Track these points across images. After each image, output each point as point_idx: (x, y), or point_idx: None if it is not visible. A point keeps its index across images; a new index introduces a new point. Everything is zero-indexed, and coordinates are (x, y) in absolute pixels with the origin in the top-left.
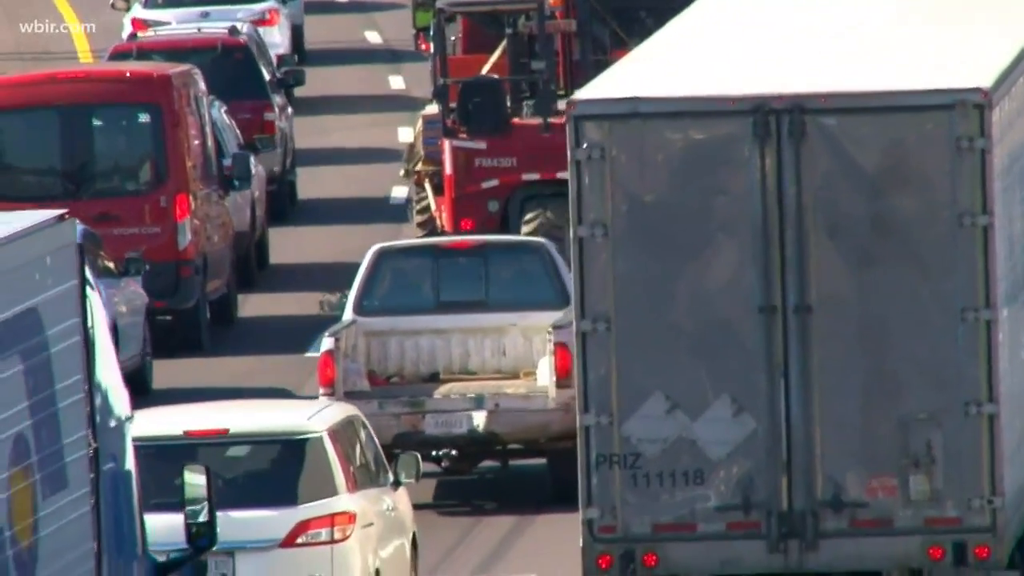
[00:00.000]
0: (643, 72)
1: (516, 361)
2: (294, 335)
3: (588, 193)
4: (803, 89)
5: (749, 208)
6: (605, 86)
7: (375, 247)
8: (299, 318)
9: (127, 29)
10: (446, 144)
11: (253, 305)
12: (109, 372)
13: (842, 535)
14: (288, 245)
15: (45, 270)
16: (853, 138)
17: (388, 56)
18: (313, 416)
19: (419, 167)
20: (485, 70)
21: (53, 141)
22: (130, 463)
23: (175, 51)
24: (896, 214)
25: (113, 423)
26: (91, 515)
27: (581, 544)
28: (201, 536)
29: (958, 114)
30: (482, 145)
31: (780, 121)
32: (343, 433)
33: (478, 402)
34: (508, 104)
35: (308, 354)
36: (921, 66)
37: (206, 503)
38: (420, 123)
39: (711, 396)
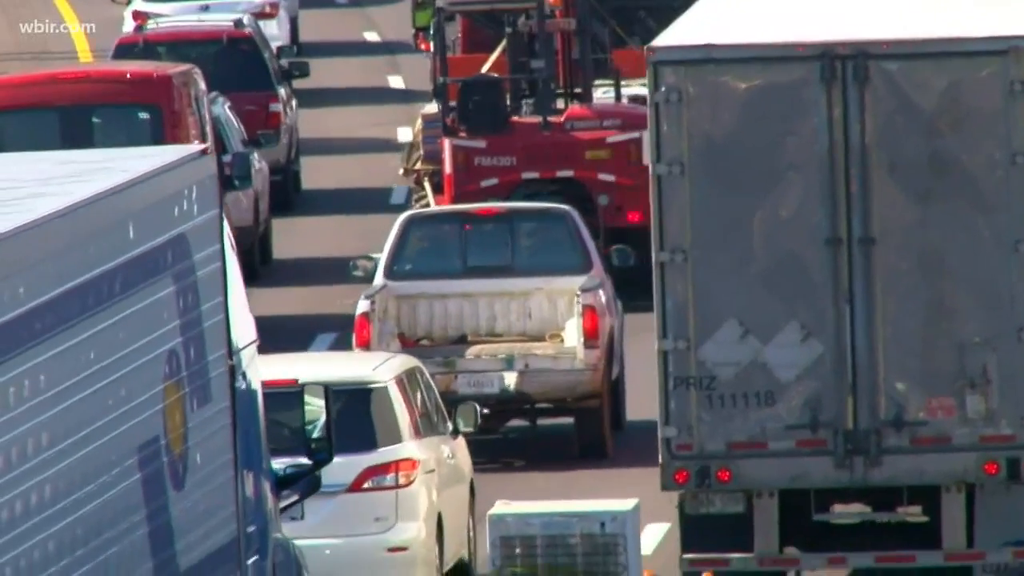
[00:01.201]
0: (716, 20)
1: (541, 324)
2: (296, 333)
3: (666, 133)
4: (867, 36)
5: (816, 147)
6: (680, 34)
7: (405, 214)
8: (301, 316)
9: (127, 23)
10: (446, 143)
11: (256, 301)
12: (239, 297)
13: (903, 452)
14: (291, 237)
15: (191, 200)
16: (913, 82)
17: (387, 55)
18: (379, 367)
19: (419, 166)
20: (485, 69)
21: (53, 141)
22: (257, 383)
23: (181, 43)
24: (953, 153)
25: (243, 345)
26: (229, 428)
27: (660, 461)
28: (320, 451)
29: (1012, 59)
30: (482, 144)
31: (845, 66)
32: (407, 383)
33: (508, 363)
34: (508, 103)
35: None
36: (976, 15)
37: (324, 419)
38: (420, 122)
39: (781, 322)
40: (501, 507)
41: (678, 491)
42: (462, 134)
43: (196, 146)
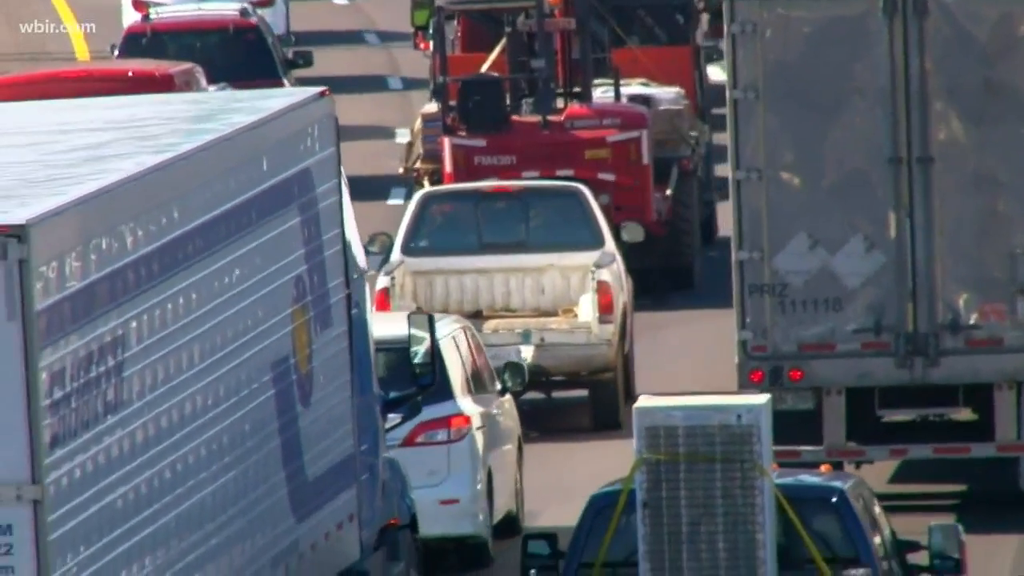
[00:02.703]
0: None
1: (554, 299)
2: None
3: (741, 62)
4: None
5: (879, 74)
6: None
7: (421, 192)
8: None
9: (127, 14)
10: (445, 142)
11: None
12: (353, 230)
13: (959, 353)
14: None
15: (313, 137)
16: (968, 13)
17: (384, 50)
18: None
19: (418, 165)
20: (484, 68)
21: None
22: (368, 312)
23: (187, 32)
24: (1006, 78)
25: (356, 275)
26: (347, 352)
27: (736, 362)
28: (424, 375)
29: None
30: (481, 143)
31: (905, 0)
32: (458, 341)
33: (525, 337)
34: (507, 102)
35: None
36: None
37: (428, 345)
38: (419, 121)
39: (847, 234)
40: (645, 401)
41: (753, 390)
42: (462, 133)
43: (316, 88)
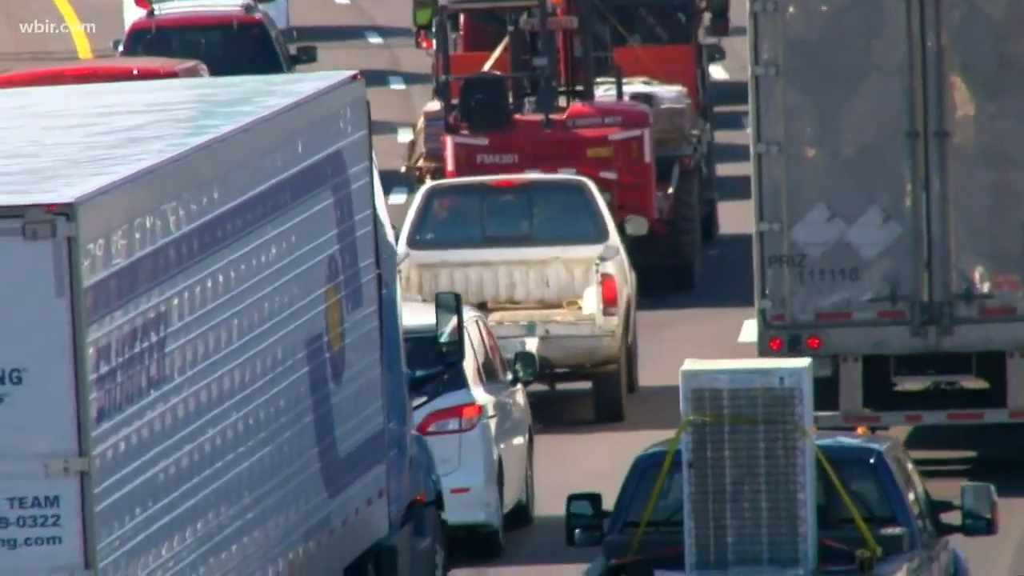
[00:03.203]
0: None
1: (559, 292)
2: None
3: (763, 39)
4: None
5: (896, 51)
6: None
7: (427, 185)
8: None
9: (128, 10)
10: (448, 140)
11: None
12: (383, 212)
13: (972, 322)
14: None
15: (346, 120)
16: None
17: (385, 48)
18: None
19: (421, 163)
20: (487, 67)
21: None
22: (397, 292)
23: (191, 28)
24: (1019, 54)
25: (386, 255)
26: (377, 330)
27: (756, 331)
28: (450, 353)
29: None
30: (484, 141)
31: None
32: (469, 331)
33: (530, 329)
34: (510, 100)
35: None
36: None
37: (455, 324)
38: (422, 120)
39: (864, 206)
40: (691, 364)
41: (773, 358)
42: (464, 132)
43: (348, 72)
